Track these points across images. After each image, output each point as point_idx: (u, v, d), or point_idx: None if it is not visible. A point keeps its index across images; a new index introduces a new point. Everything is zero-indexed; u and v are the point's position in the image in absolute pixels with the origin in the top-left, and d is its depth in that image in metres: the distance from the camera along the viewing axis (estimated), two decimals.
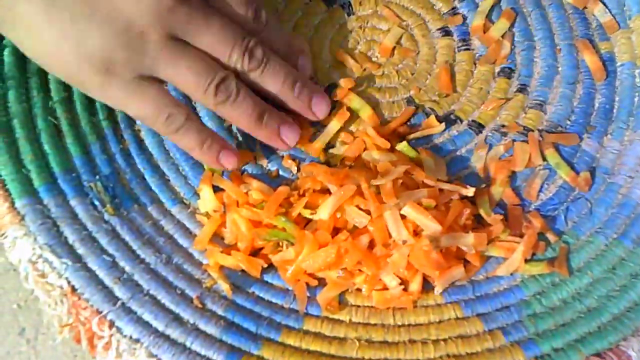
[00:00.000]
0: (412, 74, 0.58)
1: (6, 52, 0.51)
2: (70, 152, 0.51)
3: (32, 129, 0.51)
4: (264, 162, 0.54)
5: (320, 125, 0.54)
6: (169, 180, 0.53)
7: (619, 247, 0.50)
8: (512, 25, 0.58)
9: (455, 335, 0.47)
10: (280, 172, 0.54)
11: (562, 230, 0.51)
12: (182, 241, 0.51)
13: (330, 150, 0.54)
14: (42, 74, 0.52)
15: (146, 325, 0.46)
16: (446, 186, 0.50)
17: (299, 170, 0.53)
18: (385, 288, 0.48)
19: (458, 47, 0.58)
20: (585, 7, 0.59)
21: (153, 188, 0.52)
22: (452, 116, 0.55)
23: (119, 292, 0.47)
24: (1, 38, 0.52)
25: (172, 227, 0.51)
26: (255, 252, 0.50)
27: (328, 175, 0.49)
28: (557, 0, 0.59)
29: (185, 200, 0.52)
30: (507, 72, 0.57)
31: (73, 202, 0.49)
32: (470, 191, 0.50)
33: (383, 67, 0.58)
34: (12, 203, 0.48)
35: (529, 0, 0.59)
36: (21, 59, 0.52)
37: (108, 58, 0.45)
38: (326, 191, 0.50)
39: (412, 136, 0.54)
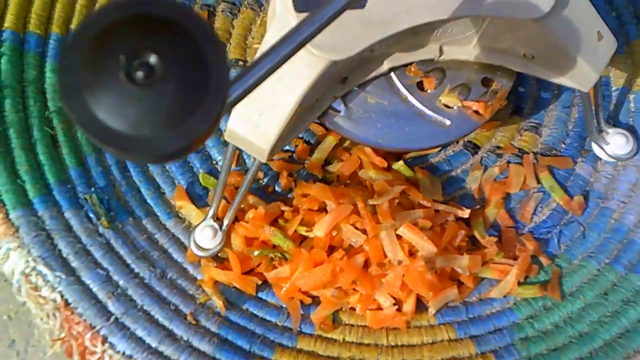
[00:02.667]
0: None
1: (3, 60, 0.51)
2: (66, 163, 0.51)
3: (28, 138, 0.50)
4: (260, 177, 0.54)
5: (316, 141, 0.54)
6: (164, 194, 0.53)
7: (611, 272, 0.50)
8: None
9: (448, 357, 0.47)
10: (276, 188, 0.53)
11: (555, 253, 0.52)
12: (177, 255, 0.50)
13: (327, 167, 0.54)
14: (39, 83, 0.52)
15: (139, 341, 0.46)
16: (442, 207, 0.50)
17: (295, 186, 0.53)
18: (379, 308, 0.49)
19: None
20: None
21: (148, 201, 0.52)
22: None
23: (113, 307, 0.46)
24: None
25: (167, 241, 0.51)
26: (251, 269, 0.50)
27: (325, 192, 0.49)
28: None
29: (180, 214, 0.52)
30: None
31: (68, 214, 0.49)
32: (465, 213, 0.50)
33: None
34: (7, 214, 0.48)
35: None
36: (18, 67, 0.51)
37: None
38: (322, 209, 0.50)
39: (408, 155, 0.54)
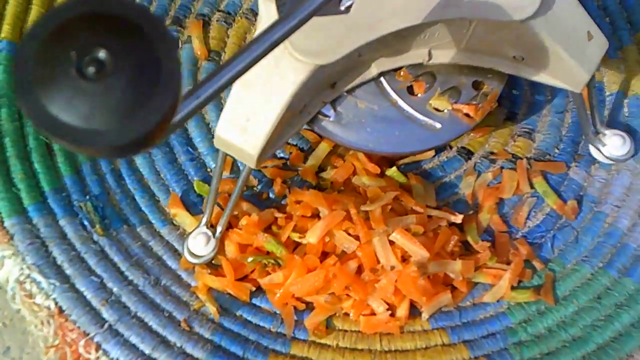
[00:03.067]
0: None
1: None
2: (60, 171, 0.51)
3: (24, 147, 0.51)
4: (254, 183, 0.54)
5: (310, 148, 0.55)
6: (159, 201, 0.53)
7: (604, 276, 0.50)
8: None
9: None
10: (270, 195, 0.54)
11: (549, 258, 0.52)
12: (171, 262, 0.51)
13: (321, 174, 0.54)
14: None
15: (133, 348, 0.46)
16: (435, 213, 0.51)
17: (289, 192, 0.53)
18: (373, 313, 0.49)
19: None
20: None
21: (143, 209, 0.52)
22: None
23: (107, 314, 0.47)
24: None
25: (161, 248, 0.51)
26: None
27: (319, 199, 0.50)
28: None
29: (174, 222, 0.52)
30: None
31: (62, 222, 0.49)
32: (458, 218, 0.50)
33: None
34: (2, 222, 0.48)
35: None
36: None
37: None
38: (315, 216, 0.50)
39: (401, 161, 0.54)
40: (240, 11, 0.58)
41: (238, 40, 0.57)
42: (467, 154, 0.55)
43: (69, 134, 0.20)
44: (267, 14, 0.40)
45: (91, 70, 0.20)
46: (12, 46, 0.52)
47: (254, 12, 0.58)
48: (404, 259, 0.48)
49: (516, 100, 0.56)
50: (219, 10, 0.58)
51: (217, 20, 0.58)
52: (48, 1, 0.54)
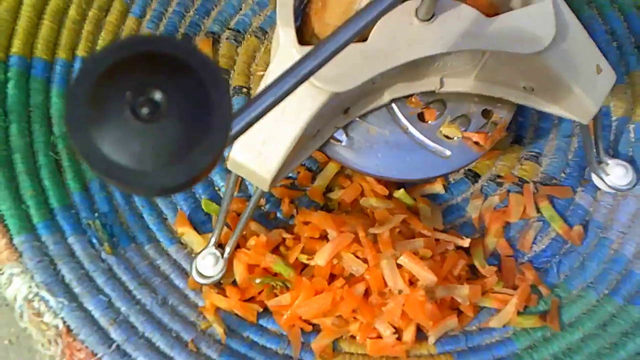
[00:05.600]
0: None
1: (10, 85, 0.51)
2: (70, 188, 0.51)
3: (33, 163, 0.51)
4: (262, 203, 0.54)
5: (318, 168, 0.55)
6: (166, 220, 0.53)
7: (610, 303, 0.50)
8: None
9: None
10: (278, 215, 0.54)
11: (555, 283, 0.52)
12: (178, 282, 0.51)
13: (329, 194, 0.54)
14: (45, 108, 0.52)
15: None
16: (442, 236, 0.51)
17: (297, 212, 0.54)
18: (379, 336, 0.49)
19: None
20: None
21: (151, 227, 0.52)
22: None
23: (115, 333, 0.47)
24: (5, 71, 0.52)
25: (169, 267, 0.51)
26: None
27: (327, 220, 0.50)
28: None
29: (182, 240, 0.52)
30: None
31: (71, 240, 0.49)
32: (465, 242, 0.51)
33: None
34: (11, 239, 0.48)
35: None
36: (24, 92, 0.52)
37: None
38: (323, 237, 0.50)
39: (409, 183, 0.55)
40: (250, 29, 0.58)
41: (247, 58, 0.57)
42: (474, 176, 0.56)
43: (120, 174, 0.20)
44: (287, 40, 0.40)
45: (145, 110, 0.20)
46: (23, 61, 0.52)
47: (263, 31, 0.58)
48: (412, 282, 0.48)
49: (523, 125, 0.57)
50: (228, 28, 0.58)
51: (226, 38, 0.58)
52: (60, 17, 0.54)
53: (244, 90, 0.57)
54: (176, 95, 0.20)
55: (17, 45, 0.52)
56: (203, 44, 0.57)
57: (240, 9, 0.59)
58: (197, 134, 0.20)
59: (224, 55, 0.57)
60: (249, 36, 0.58)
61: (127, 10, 0.57)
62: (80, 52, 0.55)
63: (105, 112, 0.20)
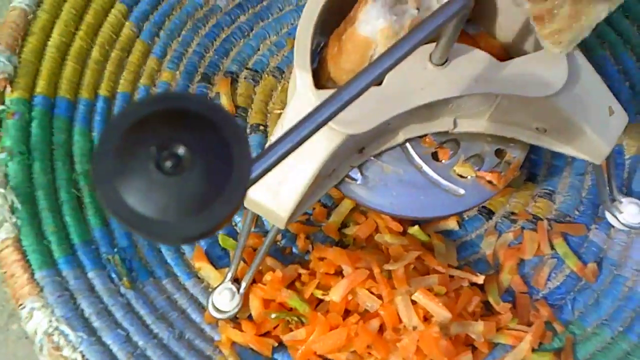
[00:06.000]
0: None
1: (34, 125, 0.53)
2: (90, 224, 0.52)
3: (55, 200, 0.52)
4: (278, 238, 0.55)
5: (333, 204, 0.56)
6: (184, 254, 0.54)
7: (624, 340, 0.51)
8: None
9: None
10: (294, 250, 0.55)
11: (569, 320, 0.52)
12: (195, 316, 0.52)
13: (344, 230, 0.55)
14: (67, 146, 0.54)
15: None
16: (457, 273, 0.51)
17: (312, 248, 0.54)
18: None
19: None
20: None
21: (169, 261, 0.53)
22: None
23: None
24: (30, 110, 0.53)
25: (186, 301, 0.52)
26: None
27: (342, 256, 0.50)
28: None
29: (199, 275, 0.53)
30: None
31: (91, 275, 0.50)
32: (480, 279, 0.51)
33: None
34: (32, 274, 0.49)
35: None
36: (47, 131, 0.53)
37: None
38: (339, 273, 0.51)
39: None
40: (267, 69, 0.60)
41: (265, 97, 0.59)
42: (488, 213, 0.56)
43: (144, 224, 0.21)
44: (303, 84, 0.41)
45: (169, 164, 0.21)
46: (47, 101, 0.54)
47: (280, 70, 0.60)
48: (426, 318, 0.49)
49: (537, 162, 0.57)
50: (246, 68, 0.60)
51: (244, 78, 0.59)
52: (83, 58, 0.56)
53: (261, 128, 0.58)
54: (199, 150, 0.22)
55: (41, 86, 0.54)
56: (222, 83, 0.58)
57: (258, 49, 0.60)
58: (218, 186, 0.21)
59: (242, 94, 0.59)
60: (266, 75, 0.60)
61: (149, 50, 0.58)
62: (103, 91, 0.56)
63: (131, 166, 0.22)
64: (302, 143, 0.30)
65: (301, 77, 0.41)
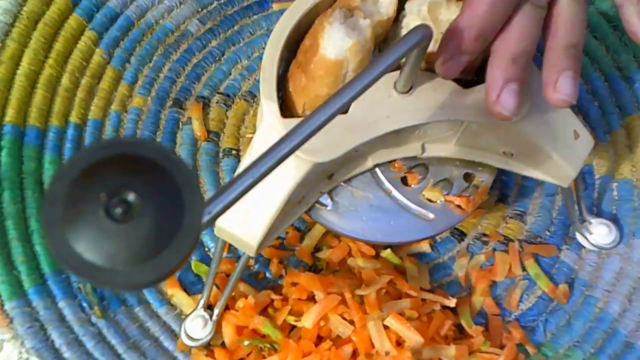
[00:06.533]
0: None
1: (3, 154, 0.52)
2: None
3: (25, 229, 0.52)
4: (251, 263, 0.55)
5: (306, 228, 0.56)
6: None
7: None
8: None
9: None
10: (267, 274, 0.54)
11: (541, 342, 0.52)
12: (168, 344, 0.51)
13: (317, 254, 0.55)
14: (37, 174, 0.54)
15: None
16: (429, 296, 0.51)
17: (285, 272, 0.54)
18: None
19: None
20: None
21: None
22: None
23: None
24: None
25: (158, 329, 0.52)
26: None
27: (314, 282, 0.50)
28: None
29: (172, 302, 0.53)
30: None
31: (61, 304, 0.50)
32: (452, 302, 0.51)
33: None
34: (2, 305, 0.49)
35: None
36: (17, 159, 0.53)
37: None
38: (311, 298, 0.51)
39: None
40: (239, 93, 0.60)
41: (237, 121, 0.59)
42: (460, 235, 0.56)
43: (92, 272, 0.21)
44: (270, 113, 0.41)
45: (118, 211, 0.21)
46: (16, 130, 0.53)
47: (252, 94, 0.60)
48: (399, 343, 0.49)
49: (507, 183, 0.58)
50: (218, 93, 0.60)
51: (216, 102, 0.59)
52: (53, 85, 0.56)
53: (234, 152, 0.58)
54: (150, 196, 0.22)
55: (10, 115, 0.53)
56: (193, 108, 0.58)
57: (230, 74, 0.60)
58: (168, 234, 0.21)
59: (213, 118, 0.59)
60: (238, 100, 0.60)
61: (120, 77, 0.58)
62: (73, 118, 0.56)
63: (80, 212, 0.21)
64: (265, 177, 0.30)
65: (268, 106, 0.41)
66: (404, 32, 0.41)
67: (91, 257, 0.21)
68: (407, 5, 0.42)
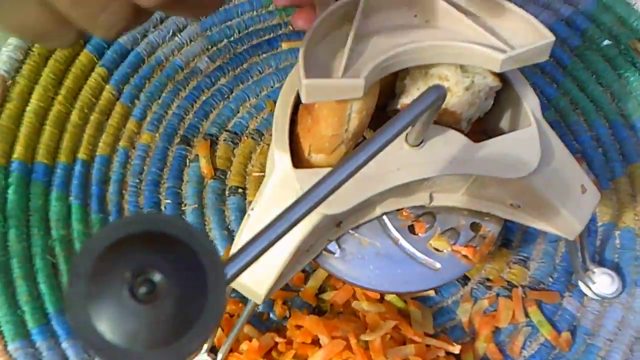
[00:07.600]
0: None
1: (10, 191, 0.53)
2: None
3: (30, 267, 0.51)
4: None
5: (311, 269, 0.56)
6: None
7: None
8: None
9: None
10: (271, 315, 0.54)
11: None
12: None
13: (321, 295, 0.55)
14: (44, 211, 0.54)
15: None
16: (433, 342, 0.51)
17: (289, 314, 0.54)
18: None
19: None
20: None
21: None
22: None
23: None
24: (6, 177, 0.53)
25: None
26: None
27: (319, 325, 0.50)
28: None
29: None
30: None
31: (65, 345, 0.50)
32: (456, 349, 0.51)
33: None
34: (5, 346, 0.48)
35: None
36: (24, 196, 0.53)
37: None
38: (315, 342, 0.51)
39: None
40: (247, 131, 0.60)
41: (244, 159, 0.59)
42: (464, 279, 0.57)
43: (112, 352, 0.21)
44: (282, 162, 0.41)
45: (143, 290, 0.21)
46: (23, 166, 0.53)
47: (259, 132, 0.60)
48: None
49: (511, 229, 0.58)
50: (226, 130, 0.60)
51: (224, 140, 0.59)
52: (62, 122, 0.56)
53: (240, 190, 0.58)
54: (174, 277, 0.21)
55: (18, 151, 0.53)
56: (201, 146, 0.59)
57: (238, 112, 0.61)
58: (191, 317, 0.21)
59: (220, 156, 0.59)
60: (245, 138, 0.60)
61: (129, 113, 0.58)
62: (81, 154, 0.56)
63: (104, 290, 0.21)
64: (279, 239, 0.31)
65: (280, 157, 0.41)
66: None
67: (112, 336, 0.21)
68: None
